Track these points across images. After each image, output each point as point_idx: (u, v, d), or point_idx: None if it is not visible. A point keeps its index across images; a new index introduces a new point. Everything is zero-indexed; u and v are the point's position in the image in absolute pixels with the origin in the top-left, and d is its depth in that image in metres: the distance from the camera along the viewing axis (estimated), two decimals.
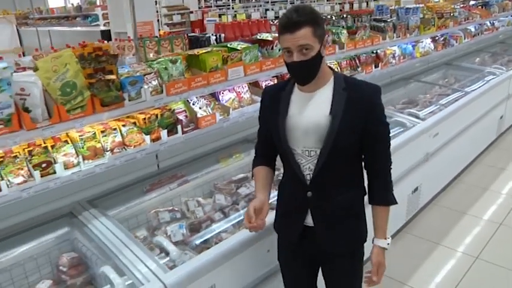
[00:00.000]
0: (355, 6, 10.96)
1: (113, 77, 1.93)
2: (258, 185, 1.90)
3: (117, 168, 2.20)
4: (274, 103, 1.79)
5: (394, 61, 4.03)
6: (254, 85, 2.96)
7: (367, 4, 11.84)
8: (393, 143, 3.09)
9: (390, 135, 1.82)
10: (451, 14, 4.46)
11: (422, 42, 4.36)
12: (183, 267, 1.91)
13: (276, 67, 2.76)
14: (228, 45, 2.63)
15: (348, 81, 1.74)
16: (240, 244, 2.04)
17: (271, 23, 3.57)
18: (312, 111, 1.70)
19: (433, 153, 3.71)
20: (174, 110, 2.38)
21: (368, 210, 1.87)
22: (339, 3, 13.89)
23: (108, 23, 11.33)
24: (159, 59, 2.26)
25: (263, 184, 1.88)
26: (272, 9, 10.33)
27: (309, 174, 1.74)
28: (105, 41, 2.87)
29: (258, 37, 2.81)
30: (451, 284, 3.01)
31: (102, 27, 7.90)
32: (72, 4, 14.39)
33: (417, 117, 3.66)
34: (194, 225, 2.37)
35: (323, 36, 1.63)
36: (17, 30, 7.64)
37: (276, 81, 3.03)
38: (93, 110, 1.94)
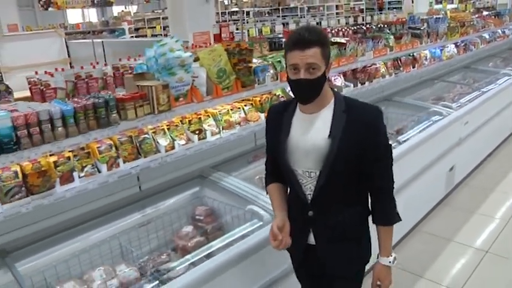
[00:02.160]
0: (368, 18, 11.79)
1: (251, 65, 2.61)
2: (275, 204, 1.93)
3: (232, 142, 2.83)
4: (277, 123, 1.83)
5: (426, 62, 4.74)
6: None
7: (372, 17, 12.68)
8: (433, 128, 3.86)
9: (394, 150, 1.88)
10: (471, 23, 5.19)
11: (447, 47, 5.08)
12: None
13: (348, 64, 3.45)
14: None
15: (349, 103, 1.75)
16: None
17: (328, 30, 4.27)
18: (312, 133, 1.73)
19: (465, 138, 4.40)
20: (279, 95, 3.06)
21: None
22: (348, 17, 14.75)
23: (134, 36, 12.03)
24: (273, 55, 2.94)
25: (279, 202, 1.92)
26: (292, 23, 11.10)
27: (310, 194, 1.78)
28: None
29: (333, 40, 3.50)
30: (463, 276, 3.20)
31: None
32: (100, 19, 15.12)
33: (450, 108, 4.35)
34: None
35: (329, 58, 1.68)
36: (66, 42, 8.31)
37: (342, 78, 3.72)
38: (236, 89, 2.61)
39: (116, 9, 19.73)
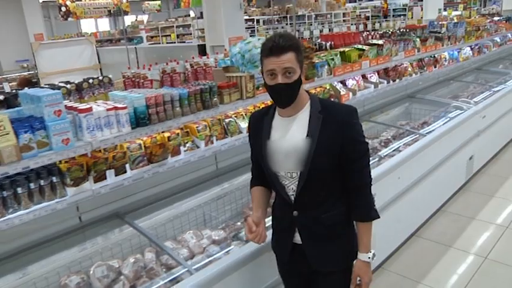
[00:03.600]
0: (376, 25, 12.33)
1: (314, 61, 3.08)
2: (253, 204, 2.01)
3: None
4: (258, 128, 1.89)
5: (445, 63, 5.23)
6: (363, 76, 4.13)
7: (380, 24, 13.24)
8: (454, 121, 4.33)
9: (370, 151, 1.91)
10: (485, 27, 5.69)
11: (464, 49, 5.57)
12: None
13: (385, 63, 3.93)
14: (355, 47, 3.80)
15: (324, 103, 1.81)
16: None
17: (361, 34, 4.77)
18: (291, 135, 1.78)
19: (483, 131, 4.87)
20: (329, 89, 3.53)
21: None
22: (353, 24, 15.32)
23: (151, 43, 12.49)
24: (326, 54, 3.41)
25: (258, 203, 1.99)
26: (309, 29, 11.67)
27: (293, 194, 1.82)
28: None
29: (371, 42, 3.98)
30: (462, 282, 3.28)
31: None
32: (118, 28, 15.64)
33: (469, 103, 4.83)
34: None
35: (302, 62, 1.73)
36: (96, 49, 8.80)
37: (377, 75, 4.20)
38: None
39: (127, 19, 20.29)
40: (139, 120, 2.23)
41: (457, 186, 4.61)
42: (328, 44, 4.32)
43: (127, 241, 2.60)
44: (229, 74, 2.74)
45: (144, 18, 20.39)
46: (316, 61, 3.16)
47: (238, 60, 2.77)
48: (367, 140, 1.86)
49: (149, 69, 2.90)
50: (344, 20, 17.35)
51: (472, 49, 5.77)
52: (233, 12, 6.00)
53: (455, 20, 7.01)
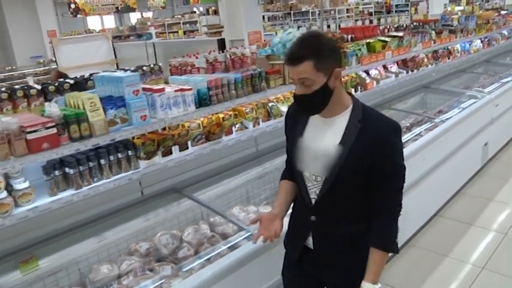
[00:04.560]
0: (382, 21, 12.57)
1: (345, 50, 3.33)
2: (278, 199, 1.95)
3: None
4: (294, 121, 1.82)
5: (458, 55, 5.48)
6: (384, 67, 4.37)
7: (386, 20, 13.48)
8: (469, 109, 4.58)
9: (406, 170, 1.70)
10: (494, 21, 5.94)
11: (474, 42, 5.82)
12: None
13: (405, 53, 4.18)
14: (378, 39, 4.05)
15: (366, 113, 1.68)
16: None
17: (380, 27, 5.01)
18: (323, 138, 1.70)
19: (496, 118, 5.12)
20: (356, 77, 3.78)
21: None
22: (357, 20, 15.57)
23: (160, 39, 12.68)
24: (353, 44, 3.66)
25: (282, 199, 1.93)
26: (309, 26, 11.89)
27: (314, 198, 1.75)
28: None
29: (391, 34, 4.23)
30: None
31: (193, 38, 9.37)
32: (124, 25, 15.85)
33: (483, 92, 5.08)
34: None
35: (330, 67, 1.57)
36: (113, 44, 9.03)
37: (396, 65, 4.44)
38: None
39: (133, 16, 20.51)
40: (201, 100, 2.48)
41: (474, 170, 4.87)
42: (349, 37, 4.57)
43: (183, 214, 2.85)
44: (271, 62, 2.98)
45: (149, 15, 20.59)
46: (348, 50, 3.41)
47: (279, 49, 3.02)
48: (405, 164, 1.70)
49: (196, 57, 3.14)
50: (348, 16, 17.60)
51: (482, 42, 6.02)
52: (251, 8, 6.23)
53: (460, 14, 7.27)
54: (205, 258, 2.39)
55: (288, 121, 1.92)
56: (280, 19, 17.27)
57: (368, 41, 3.84)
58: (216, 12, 14.20)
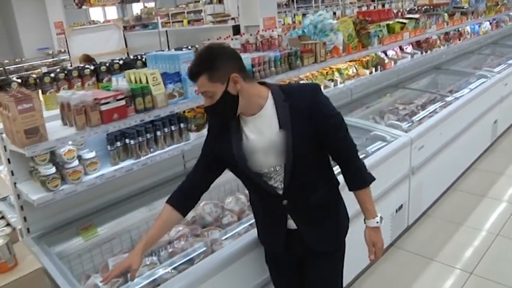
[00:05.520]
0: (386, 6, 12.67)
1: (369, 31, 3.52)
2: (150, 229, 1.91)
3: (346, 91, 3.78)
4: (223, 133, 1.79)
5: (468, 36, 5.66)
6: (400, 48, 4.56)
7: (383, 6, 13.55)
8: (479, 88, 4.78)
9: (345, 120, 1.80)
10: (503, 2, 6.13)
11: (483, 23, 6.01)
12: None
13: (420, 35, 4.38)
14: (397, 21, 4.24)
15: (285, 90, 1.74)
16: None
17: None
18: (264, 132, 1.71)
19: (505, 97, 5.34)
20: (376, 58, 3.97)
21: (346, 195, 1.97)
22: (360, 6, 15.65)
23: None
24: (374, 26, 3.84)
25: (153, 230, 1.89)
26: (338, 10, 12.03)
27: (281, 185, 1.77)
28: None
29: (407, 16, 4.41)
30: None
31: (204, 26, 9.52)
32: (135, 14, 15.94)
33: (493, 72, 5.28)
34: None
35: (226, 75, 1.60)
36: (123, 34, 9.16)
37: (411, 46, 4.63)
38: (360, 48, 3.52)
39: (135, 7, 20.53)
40: None
41: (484, 147, 5.10)
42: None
43: (222, 185, 3.05)
44: (303, 42, 3.17)
45: (151, 5, 20.63)
46: (371, 31, 3.60)
47: (310, 30, 3.21)
48: (338, 111, 1.79)
49: (232, 39, 3.33)
50: (351, 3, 17.65)
51: (490, 24, 6.20)
52: None
53: None
54: (249, 223, 2.59)
55: (214, 132, 1.87)
56: (284, 7, 17.31)
57: (387, 22, 4.02)
58: (220, 1, 14.31)
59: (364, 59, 3.83)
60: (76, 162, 2.15)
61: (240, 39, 3.45)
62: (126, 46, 9.22)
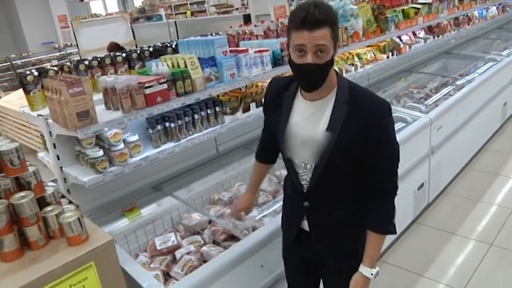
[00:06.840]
0: None
1: (386, 16, 3.61)
2: (252, 182, 2.14)
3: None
4: (277, 103, 1.70)
5: (476, 21, 5.76)
6: (413, 33, 4.66)
7: None
8: (490, 71, 4.88)
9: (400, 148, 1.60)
10: None
11: (490, 8, 6.09)
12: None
13: (433, 19, 4.47)
14: (411, 6, 4.33)
15: (353, 93, 1.56)
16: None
17: None
18: (310, 123, 1.59)
19: None
20: (392, 43, 4.06)
21: None
22: None
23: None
24: (390, 11, 3.93)
25: (255, 181, 2.13)
26: None
27: (306, 184, 1.68)
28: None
29: (419, 1, 4.50)
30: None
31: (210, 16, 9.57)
32: (136, 7, 15.93)
33: (502, 55, 5.38)
34: None
35: (337, 39, 1.49)
36: (131, 26, 9.22)
37: (423, 31, 4.72)
38: (378, 33, 3.62)
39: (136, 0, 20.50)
40: (276, 61, 2.78)
41: (495, 128, 5.21)
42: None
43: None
44: None
45: None
46: (388, 16, 3.69)
47: None
48: (397, 143, 1.60)
49: (255, 25, 3.43)
50: None
51: (497, 8, 6.29)
52: None
53: None
54: None
55: (270, 100, 1.79)
56: None
57: (402, 8, 4.11)
58: None
59: (381, 44, 3.93)
60: (122, 145, 2.24)
61: (262, 26, 3.55)
62: (134, 38, 9.26)
